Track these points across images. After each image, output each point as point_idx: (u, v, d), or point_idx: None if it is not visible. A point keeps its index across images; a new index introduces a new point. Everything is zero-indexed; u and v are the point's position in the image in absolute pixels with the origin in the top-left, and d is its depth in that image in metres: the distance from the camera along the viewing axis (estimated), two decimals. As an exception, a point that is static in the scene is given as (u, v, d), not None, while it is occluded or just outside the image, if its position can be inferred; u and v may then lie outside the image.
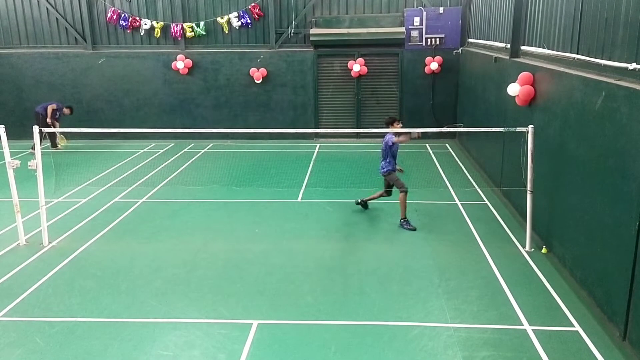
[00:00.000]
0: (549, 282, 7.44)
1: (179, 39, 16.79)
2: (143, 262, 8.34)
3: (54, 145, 15.72)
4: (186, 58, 16.60)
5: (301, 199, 11.34)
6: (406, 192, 9.55)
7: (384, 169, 9.72)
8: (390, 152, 9.58)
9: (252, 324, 6.50)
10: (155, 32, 16.78)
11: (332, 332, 6.36)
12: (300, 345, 6.10)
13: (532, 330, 6.29)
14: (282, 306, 6.98)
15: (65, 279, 7.79)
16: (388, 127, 9.56)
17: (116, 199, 11.28)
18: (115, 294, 7.32)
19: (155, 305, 7.00)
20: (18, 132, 14.09)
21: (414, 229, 9.38)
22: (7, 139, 8.72)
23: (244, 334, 6.30)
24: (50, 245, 8.94)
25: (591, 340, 6.07)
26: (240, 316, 6.71)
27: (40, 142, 8.96)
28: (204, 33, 16.75)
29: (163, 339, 6.23)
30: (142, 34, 16.90)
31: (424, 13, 16.18)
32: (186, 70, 16.69)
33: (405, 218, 9.57)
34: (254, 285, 7.54)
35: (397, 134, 9.44)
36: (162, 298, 7.19)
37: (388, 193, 10.11)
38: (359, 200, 10.49)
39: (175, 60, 16.54)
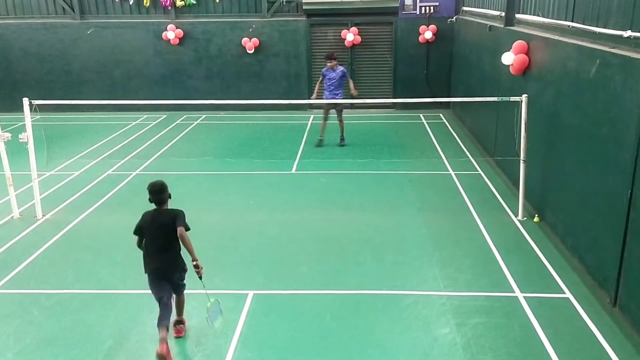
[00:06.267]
0: (540, 250, 7.53)
1: (169, 8, 16.46)
2: (138, 234, 8.34)
3: None
4: (177, 28, 16.30)
5: (295, 171, 11.33)
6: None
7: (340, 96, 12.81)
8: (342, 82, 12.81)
9: (247, 294, 6.57)
10: (145, 1, 16.43)
11: (327, 301, 6.44)
12: (295, 315, 6.18)
13: (524, 297, 6.39)
14: (277, 276, 7.04)
15: (60, 252, 7.81)
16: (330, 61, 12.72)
17: (109, 172, 11.23)
18: (110, 266, 7.35)
19: (151, 277, 7.02)
20: (8, 105, 13.91)
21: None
22: (-3, 112, 8.63)
23: (240, 304, 6.36)
24: (44, 218, 8.92)
25: (582, 307, 6.18)
26: (236, 286, 6.77)
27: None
28: (194, 2, 16.40)
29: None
30: (131, 3, 16.52)
31: (418, -20, 15.93)
32: (177, 41, 16.40)
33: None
34: (249, 256, 7.59)
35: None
36: (157, 269, 7.21)
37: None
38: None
39: (166, 30, 16.26)
